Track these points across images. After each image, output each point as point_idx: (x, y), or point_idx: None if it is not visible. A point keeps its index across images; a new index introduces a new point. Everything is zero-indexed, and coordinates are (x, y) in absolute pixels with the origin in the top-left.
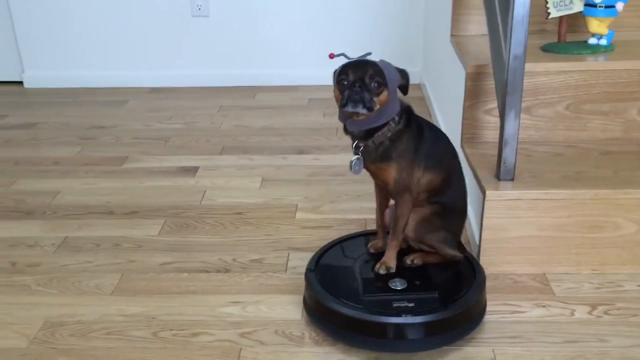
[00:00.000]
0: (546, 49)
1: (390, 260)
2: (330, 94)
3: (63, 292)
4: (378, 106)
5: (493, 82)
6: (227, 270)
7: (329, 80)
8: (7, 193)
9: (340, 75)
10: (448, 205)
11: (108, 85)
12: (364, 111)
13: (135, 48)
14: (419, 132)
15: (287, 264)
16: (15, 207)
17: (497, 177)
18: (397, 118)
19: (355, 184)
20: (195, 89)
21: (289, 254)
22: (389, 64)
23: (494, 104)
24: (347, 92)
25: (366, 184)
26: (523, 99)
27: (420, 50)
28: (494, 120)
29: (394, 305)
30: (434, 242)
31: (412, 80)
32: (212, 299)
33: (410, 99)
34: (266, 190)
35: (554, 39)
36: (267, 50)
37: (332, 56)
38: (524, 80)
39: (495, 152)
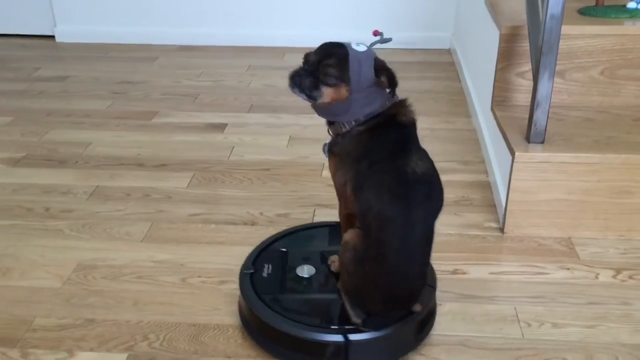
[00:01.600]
0: (583, 12)
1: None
2: None
3: (95, 238)
4: (326, 99)
5: (527, 43)
6: (254, 223)
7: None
8: (40, 142)
9: (309, 52)
10: (371, 255)
11: (138, 41)
12: (302, 96)
13: (165, 5)
14: (377, 146)
15: (312, 219)
16: (48, 156)
17: (527, 139)
18: (362, 119)
19: None
20: (224, 48)
21: (315, 210)
22: (371, 61)
23: (527, 67)
24: (295, 69)
25: None
26: (557, 62)
27: (452, 14)
28: (526, 83)
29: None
30: (339, 283)
31: (443, 45)
32: (238, 249)
33: (439, 64)
34: (293, 149)
35: (592, 2)
36: (297, 10)
37: (376, 33)
38: (559, 43)
39: (526, 115)
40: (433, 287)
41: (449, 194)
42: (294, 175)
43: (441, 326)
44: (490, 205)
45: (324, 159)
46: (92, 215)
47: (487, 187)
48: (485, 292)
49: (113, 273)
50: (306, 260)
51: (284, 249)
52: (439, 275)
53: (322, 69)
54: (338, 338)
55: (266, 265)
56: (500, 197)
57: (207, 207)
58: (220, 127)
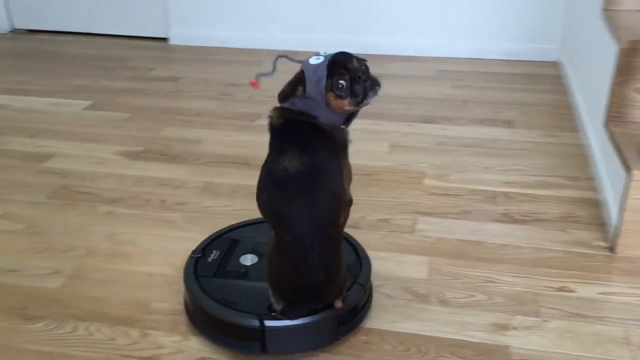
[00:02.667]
0: None
1: None
2: (460, 67)
3: (204, 231)
4: None
5: None
6: (356, 227)
7: (458, 53)
8: (156, 138)
9: (334, 77)
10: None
11: (244, 46)
12: (380, 91)
13: (271, 12)
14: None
15: (414, 226)
16: (163, 151)
17: None
18: None
19: (484, 156)
20: None
21: (415, 217)
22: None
23: None
24: (356, 87)
25: (496, 157)
26: None
27: (559, 26)
28: None
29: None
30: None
31: (549, 57)
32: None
33: (545, 76)
34: (394, 155)
35: None
36: (397, 19)
37: (256, 84)
38: None
39: None
40: (362, 285)
41: (553, 210)
42: (395, 181)
43: (549, 342)
44: (599, 223)
45: (425, 167)
46: (202, 209)
47: (595, 204)
48: (594, 312)
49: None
50: (253, 251)
51: (237, 239)
52: (542, 291)
53: (360, 64)
54: (254, 322)
55: (215, 252)
56: (610, 216)
57: None
58: None
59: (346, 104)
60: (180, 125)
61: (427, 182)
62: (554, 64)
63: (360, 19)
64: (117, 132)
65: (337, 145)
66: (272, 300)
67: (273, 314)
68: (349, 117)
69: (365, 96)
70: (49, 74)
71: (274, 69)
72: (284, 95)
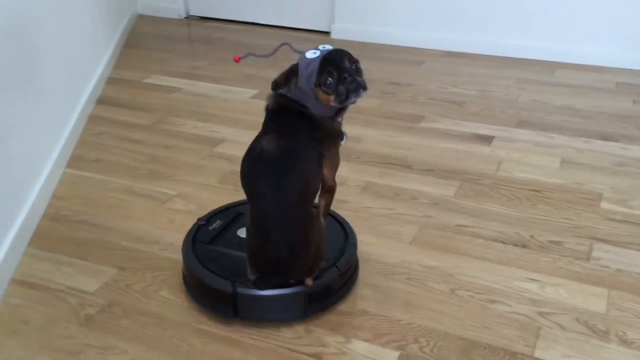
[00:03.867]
0: None
1: None
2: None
3: (367, 232)
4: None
5: None
6: (524, 246)
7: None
8: None
9: (322, 75)
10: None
11: (406, 44)
12: (364, 93)
13: (435, 10)
14: None
15: (590, 253)
16: None
17: None
18: None
19: None
20: (490, 57)
21: (592, 244)
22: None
23: None
24: (340, 87)
25: None
26: None
27: None
28: None
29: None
30: None
31: None
32: (508, 270)
33: None
34: (566, 172)
35: None
36: (572, 23)
37: (238, 59)
38: None
39: None
40: (338, 268)
41: None
42: (568, 201)
43: None
44: None
45: (602, 188)
46: (364, 210)
47: None
48: None
49: (384, 270)
50: None
51: (242, 212)
52: None
53: (351, 65)
54: (228, 287)
55: (218, 221)
56: None
57: (474, 220)
58: (487, 140)
59: (332, 100)
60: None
61: (605, 205)
62: None
63: (527, 21)
64: None
65: (324, 134)
66: (248, 270)
67: (247, 282)
68: (339, 111)
69: (347, 97)
70: (219, 61)
71: (272, 54)
72: (277, 84)
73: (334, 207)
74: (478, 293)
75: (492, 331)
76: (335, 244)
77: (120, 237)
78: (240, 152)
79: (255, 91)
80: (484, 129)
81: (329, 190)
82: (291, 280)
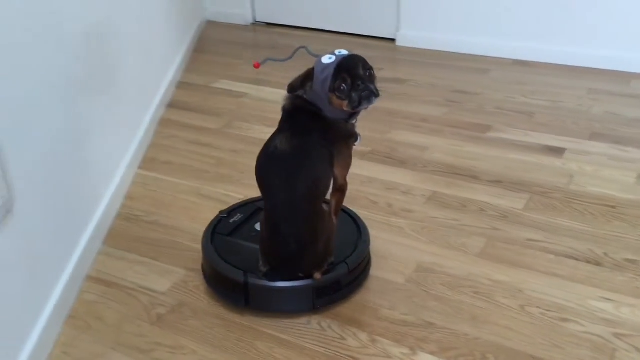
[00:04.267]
0: None
1: None
2: None
3: (433, 242)
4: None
5: None
6: (598, 264)
7: None
8: (382, 140)
9: (336, 81)
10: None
11: (472, 52)
12: (376, 100)
13: (503, 18)
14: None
15: None
16: (389, 154)
17: None
18: None
19: None
20: (561, 67)
21: None
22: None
23: None
24: (353, 94)
25: None
26: None
27: None
28: None
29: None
30: None
31: None
32: (581, 288)
33: None
34: None
35: None
36: None
37: (257, 65)
38: None
39: None
40: (347, 264)
41: None
42: None
43: None
44: None
45: None
46: (430, 220)
47: None
48: None
49: (451, 282)
50: None
51: (261, 207)
52: None
53: (365, 72)
54: (240, 277)
55: (239, 215)
56: None
57: (544, 234)
58: (558, 152)
59: (345, 105)
60: (406, 129)
61: None
62: None
63: (600, 29)
64: None
65: (336, 135)
66: (260, 263)
67: (259, 274)
68: (352, 115)
69: (359, 104)
70: (285, 67)
71: (291, 57)
72: (292, 87)
73: (354, 205)
74: (549, 310)
75: (564, 351)
76: (348, 241)
77: (189, 238)
78: None
79: None
80: (555, 141)
81: (340, 189)
82: (300, 274)
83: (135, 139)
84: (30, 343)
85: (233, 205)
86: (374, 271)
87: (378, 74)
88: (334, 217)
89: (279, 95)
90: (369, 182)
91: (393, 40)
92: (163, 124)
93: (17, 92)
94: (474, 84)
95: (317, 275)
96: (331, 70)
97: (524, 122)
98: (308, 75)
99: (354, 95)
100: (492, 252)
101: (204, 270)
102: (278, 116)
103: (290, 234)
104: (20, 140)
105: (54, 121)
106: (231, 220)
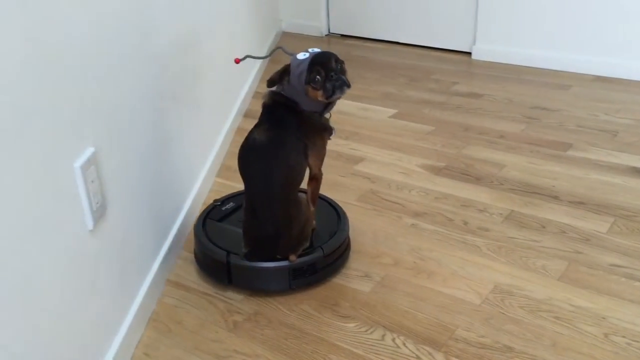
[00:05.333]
0: None
1: None
2: None
3: (510, 263)
4: None
5: None
6: None
7: None
8: (458, 156)
9: (311, 74)
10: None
11: (550, 67)
12: (347, 90)
13: (583, 32)
14: None
15: None
16: (465, 170)
17: None
18: None
19: None
20: None
21: None
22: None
23: None
24: (327, 84)
25: None
26: None
27: None
28: None
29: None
30: None
31: None
32: None
33: None
34: None
35: None
36: None
37: (237, 61)
38: None
39: None
40: (322, 249)
41: None
42: None
43: None
44: None
45: None
46: (507, 240)
47: None
48: None
49: (530, 305)
50: None
51: None
52: None
53: (337, 65)
54: (223, 258)
55: (231, 203)
56: None
57: (629, 260)
58: None
59: (320, 95)
60: (483, 145)
61: None
62: None
63: None
64: (421, 144)
65: (311, 128)
66: (242, 244)
67: (240, 255)
68: (326, 107)
69: (333, 92)
70: (359, 79)
71: (268, 56)
72: (271, 81)
73: (428, 221)
74: (636, 341)
75: None
76: (328, 228)
77: None
78: (381, 171)
79: (395, 110)
80: None
81: (314, 178)
82: (278, 256)
83: (214, 147)
84: (116, 342)
85: (227, 194)
86: (448, 289)
87: (452, 88)
88: (311, 205)
89: (353, 108)
90: (444, 198)
91: (469, 53)
92: (240, 133)
93: (112, 102)
94: (553, 100)
95: (293, 258)
96: (306, 65)
97: (607, 141)
98: (285, 70)
99: (328, 85)
100: (573, 276)
101: (195, 253)
102: (351, 127)
103: (267, 218)
104: (114, 147)
105: (145, 130)
106: (223, 208)
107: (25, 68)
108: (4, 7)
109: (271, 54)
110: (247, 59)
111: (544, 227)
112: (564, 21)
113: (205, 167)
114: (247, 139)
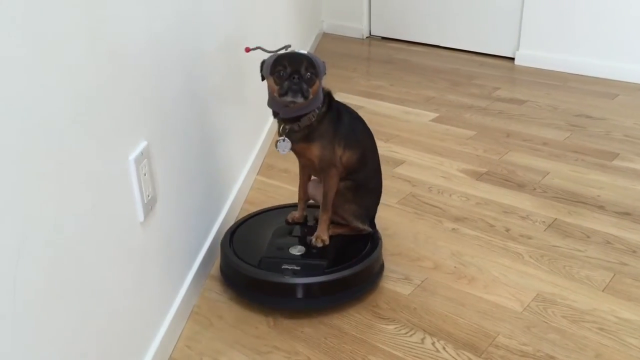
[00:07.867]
0: None
1: (323, 233)
2: None
3: (553, 272)
4: (312, 95)
5: None
6: None
7: None
8: (500, 161)
9: (277, 66)
10: (362, 182)
11: (596, 74)
12: (301, 100)
13: (629, 40)
14: (339, 115)
15: None
16: (507, 177)
17: None
18: (320, 104)
19: None
20: None
21: None
22: (316, 57)
23: None
24: (286, 82)
25: None
26: None
27: None
28: None
29: (282, 267)
30: (346, 214)
31: None
32: None
33: None
34: None
35: None
36: None
37: (247, 50)
38: None
39: None
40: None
41: None
42: None
43: None
44: None
45: None
46: (550, 248)
47: None
48: None
49: (573, 315)
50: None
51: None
52: None
53: (305, 72)
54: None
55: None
56: None
57: None
58: None
59: (275, 90)
60: (525, 152)
61: None
62: None
63: None
64: (462, 148)
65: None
66: (360, 224)
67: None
68: (284, 110)
69: (286, 93)
70: (400, 82)
71: (277, 52)
72: (261, 66)
73: (469, 226)
74: None
75: None
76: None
77: None
78: (421, 175)
79: (436, 114)
80: None
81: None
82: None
83: (256, 145)
84: (161, 332)
85: (236, 221)
86: (489, 295)
87: (494, 93)
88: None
89: (394, 110)
90: (485, 204)
91: (512, 59)
92: None
93: (164, 98)
94: (599, 109)
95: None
96: (276, 56)
97: None
98: (264, 61)
99: (285, 83)
100: (619, 287)
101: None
102: (391, 129)
103: (379, 187)
104: (165, 142)
105: (193, 127)
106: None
107: (88, 63)
108: (69, 4)
109: (279, 50)
110: (258, 50)
111: (588, 237)
112: (610, 28)
113: (247, 165)
114: (359, 118)
